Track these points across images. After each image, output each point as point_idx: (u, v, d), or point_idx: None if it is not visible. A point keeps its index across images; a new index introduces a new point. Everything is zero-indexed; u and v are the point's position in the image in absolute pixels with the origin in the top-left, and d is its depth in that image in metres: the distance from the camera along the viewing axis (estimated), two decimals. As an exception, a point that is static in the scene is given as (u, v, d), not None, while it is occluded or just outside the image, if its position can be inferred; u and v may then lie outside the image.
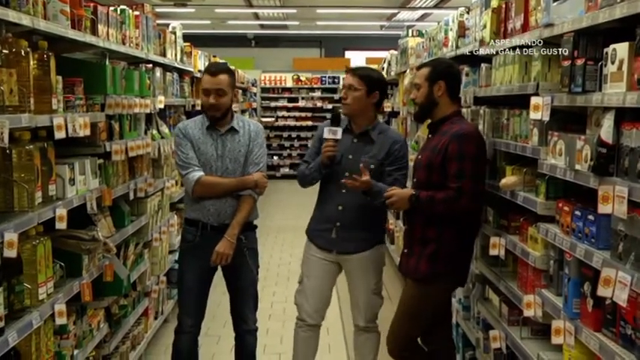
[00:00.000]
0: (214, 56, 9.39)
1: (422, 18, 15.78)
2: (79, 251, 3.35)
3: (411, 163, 4.07)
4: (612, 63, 2.30)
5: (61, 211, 3.00)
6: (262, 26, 17.91)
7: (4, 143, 2.39)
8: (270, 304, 6.01)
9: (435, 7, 13.80)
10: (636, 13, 2.11)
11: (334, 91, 16.71)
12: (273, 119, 17.13)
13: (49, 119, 2.88)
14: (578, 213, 2.61)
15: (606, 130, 2.31)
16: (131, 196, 4.29)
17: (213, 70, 3.71)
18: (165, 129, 5.41)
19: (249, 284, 3.83)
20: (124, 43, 4.17)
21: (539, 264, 2.99)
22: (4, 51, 2.56)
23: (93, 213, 3.56)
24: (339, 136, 3.67)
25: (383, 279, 3.95)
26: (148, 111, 4.65)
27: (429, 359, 3.64)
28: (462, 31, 4.47)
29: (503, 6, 3.52)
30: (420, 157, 3.58)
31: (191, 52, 6.95)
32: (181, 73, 6.30)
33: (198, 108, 6.12)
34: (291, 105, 17.38)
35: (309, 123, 16.81)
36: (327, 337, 5.22)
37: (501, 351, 3.48)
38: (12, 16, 2.57)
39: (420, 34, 6.98)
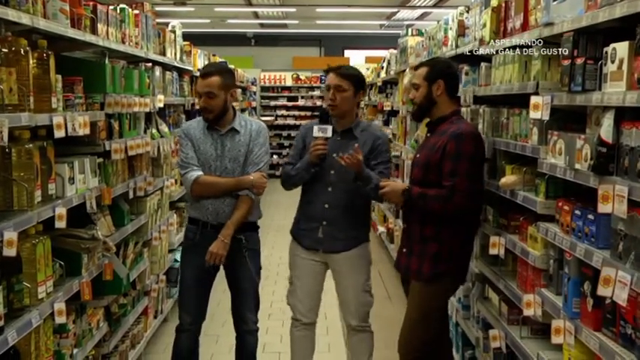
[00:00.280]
0: (214, 55, 9.39)
1: (421, 17, 15.79)
2: (78, 250, 3.35)
3: (409, 162, 4.07)
4: (612, 62, 2.30)
5: (61, 210, 3.00)
6: (262, 25, 17.90)
7: (4, 142, 2.38)
8: (270, 304, 6.00)
9: (435, 6, 13.80)
10: (636, 13, 2.11)
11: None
12: (272, 118, 17.14)
13: (48, 118, 2.88)
14: (578, 212, 2.61)
15: (606, 129, 2.31)
16: (131, 195, 4.29)
17: (203, 72, 3.73)
18: (164, 128, 5.41)
19: (248, 285, 3.83)
20: (123, 42, 4.17)
21: (539, 263, 2.99)
22: (4, 50, 2.56)
23: (92, 212, 3.56)
24: (329, 134, 3.66)
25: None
26: (147, 110, 4.64)
27: None
28: (462, 30, 4.46)
29: (503, 5, 3.51)
30: (418, 155, 3.58)
31: (191, 51, 6.95)
32: (181, 72, 6.30)
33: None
34: (290, 104, 17.39)
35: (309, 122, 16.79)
36: (327, 337, 5.22)
37: (501, 350, 3.48)
38: (11, 14, 2.57)
39: (420, 33, 6.98)
